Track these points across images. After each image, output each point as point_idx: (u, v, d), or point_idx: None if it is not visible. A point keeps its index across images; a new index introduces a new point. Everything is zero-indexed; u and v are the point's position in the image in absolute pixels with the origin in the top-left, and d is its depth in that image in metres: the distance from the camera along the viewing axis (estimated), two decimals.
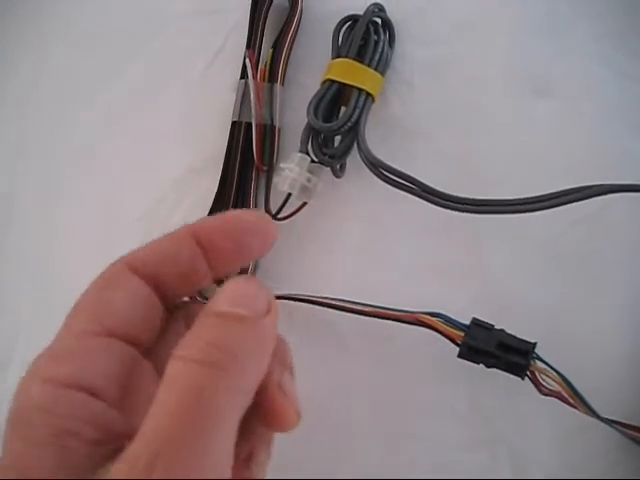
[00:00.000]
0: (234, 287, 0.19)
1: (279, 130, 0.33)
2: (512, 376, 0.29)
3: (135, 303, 0.20)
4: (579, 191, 0.28)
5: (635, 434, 0.29)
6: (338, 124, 0.30)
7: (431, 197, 0.30)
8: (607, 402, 0.30)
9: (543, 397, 0.29)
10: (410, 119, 0.33)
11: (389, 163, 0.30)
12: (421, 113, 0.33)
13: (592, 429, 0.30)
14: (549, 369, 0.29)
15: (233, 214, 0.22)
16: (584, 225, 0.32)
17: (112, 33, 0.38)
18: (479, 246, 0.32)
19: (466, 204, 0.29)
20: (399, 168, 0.30)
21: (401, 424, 0.31)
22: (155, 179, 0.34)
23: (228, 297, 0.19)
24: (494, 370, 0.29)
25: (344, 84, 0.31)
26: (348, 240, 0.33)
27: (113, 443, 0.18)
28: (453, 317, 0.29)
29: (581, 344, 0.31)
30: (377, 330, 0.31)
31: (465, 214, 0.31)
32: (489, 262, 0.32)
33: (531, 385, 0.29)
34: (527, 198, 0.29)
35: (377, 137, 0.33)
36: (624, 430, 0.29)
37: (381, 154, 0.31)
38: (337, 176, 0.32)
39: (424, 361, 0.31)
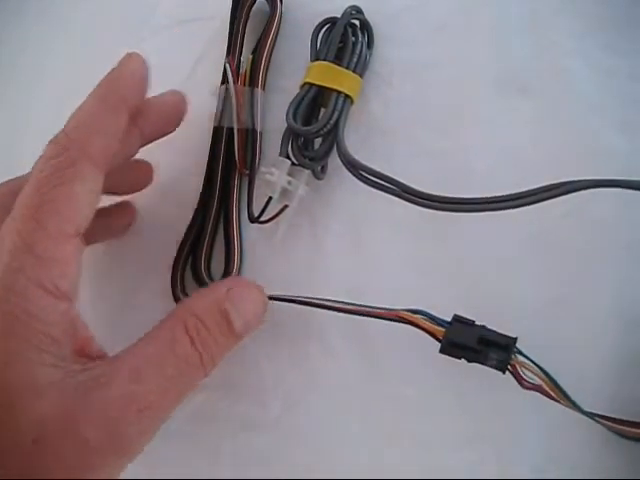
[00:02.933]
0: (254, 306, 0.28)
1: (261, 134, 0.33)
2: (495, 371, 0.29)
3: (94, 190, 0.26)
4: (558, 187, 0.28)
5: (618, 427, 0.30)
6: (317, 127, 0.31)
7: (411, 197, 0.30)
8: (592, 397, 0.30)
9: (527, 392, 0.29)
10: (390, 120, 0.34)
11: (368, 164, 0.30)
12: (401, 114, 0.34)
13: (577, 424, 0.30)
14: (530, 363, 0.29)
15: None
16: (568, 222, 0.32)
17: (96, 42, 0.38)
18: (462, 244, 0.32)
19: (445, 202, 0.30)
20: (378, 169, 0.30)
21: (386, 423, 0.31)
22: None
23: (244, 316, 0.27)
24: (477, 366, 0.29)
25: (323, 87, 0.32)
26: (330, 241, 0.33)
27: None
28: (435, 314, 0.30)
29: (566, 339, 0.31)
30: (361, 328, 0.32)
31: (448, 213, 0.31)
32: (472, 260, 0.32)
33: (515, 381, 0.29)
34: (507, 195, 0.29)
35: (358, 138, 0.34)
36: (607, 423, 0.30)
37: (362, 155, 0.32)
38: (318, 178, 0.32)
39: (407, 358, 0.31)
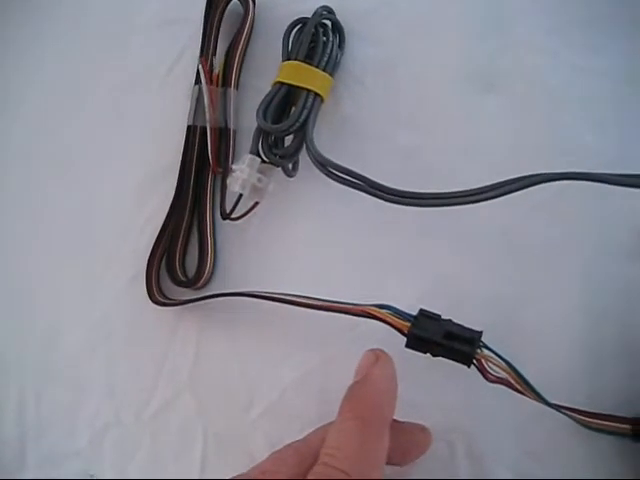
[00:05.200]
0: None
1: (234, 133, 0.33)
2: (465, 366, 0.29)
3: None
4: (520, 180, 0.28)
5: (584, 419, 0.30)
6: (287, 125, 0.31)
7: (378, 192, 0.30)
8: (561, 389, 0.30)
9: (498, 386, 0.29)
10: (362, 118, 0.34)
11: (337, 161, 0.30)
12: (373, 112, 0.34)
13: (546, 416, 0.30)
14: (495, 357, 0.29)
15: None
16: (536, 216, 0.32)
17: (78, 44, 0.39)
18: (431, 239, 0.32)
19: (412, 198, 0.30)
20: (346, 165, 0.30)
21: None
22: (118, 185, 0.35)
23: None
24: (447, 361, 0.29)
25: (293, 86, 0.32)
26: (302, 238, 0.33)
27: None
28: (401, 309, 0.30)
29: (533, 333, 0.31)
30: (330, 324, 0.32)
31: (417, 209, 0.31)
32: (441, 255, 0.32)
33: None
34: (471, 190, 0.29)
35: (330, 136, 0.34)
36: (573, 415, 0.30)
37: (334, 153, 0.32)
38: (289, 175, 0.32)
39: None
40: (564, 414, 0.30)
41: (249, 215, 0.32)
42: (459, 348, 0.29)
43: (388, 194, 0.30)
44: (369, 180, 0.30)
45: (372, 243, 0.32)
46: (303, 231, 0.33)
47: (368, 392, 0.26)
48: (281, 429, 0.32)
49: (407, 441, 0.29)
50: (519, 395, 0.29)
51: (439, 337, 0.29)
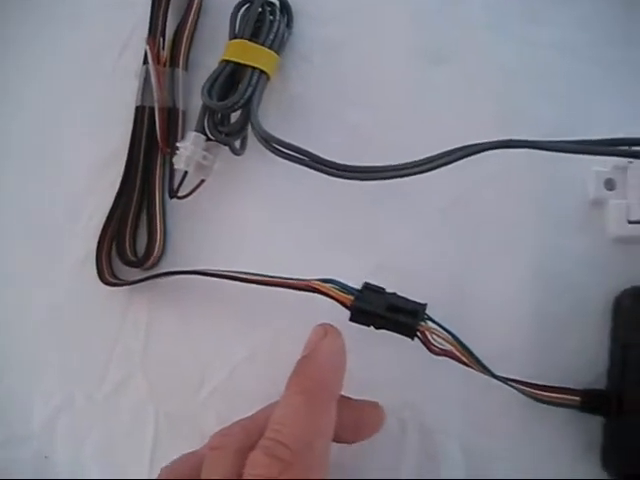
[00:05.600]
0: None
1: (184, 113, 0.33)
2: (412, 341, 0.29)
3: None
4: (458, 151, 0.28)
5: (532, 391, 0.29)
6: (231, 101, 0.31)
7: (322, 167, 0.30)
8: (511, 362, 0.30)
9: (447, 361, 0.29)
10: (311, 96, 0.34)
11: (282, 137, 0.30)
12: (321, 90, 0.34)
13: (496, 390, 0.29)
14: (440, 329, 0.29)
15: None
16: (483, 188, 0.32)
17: (26, 28, 0.38)
18: (379, 214, 0.32)
19: (354, 172, 0.30)
20: (290, 141, 0.30)
21: None
22: (71, 168, 0.35)
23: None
24: (397, 336, 0.29)
25: (239, 63, 0.32)
26: (251, 215, 0.33)
27: None
28: (345, 283, 0.29)
29: (483, 306, 0.31)
30: (280, 301, 0.31)
31: (365, 184, 0.31)
32: (389, 229, 0.32)
33: None
34: (414, 161, 0.29)
35: (279, 115, 0.34)
36: (521, 387, 0.29)
37: (283, 131, 0.32)
38: (236, 154, 0.32)
39: None
40: (512, 387, 0.29)
41: (196, 193, 0.32)
42: (402, 320, 0.28)
43: (332, 168, 0.30)
44: (313, 155, 0.30)
45: (321, 219, 0.32)
46: (252, 209, 0.33)
47: (315, 366, 0.26)
48: (231, 407, 0.31)
49: (359, 418, 0.29)
50: (468, 369, 0.29)
51: (382, 310, 0.29)
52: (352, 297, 0.29)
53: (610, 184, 0.31)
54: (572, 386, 0.30)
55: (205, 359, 0.32)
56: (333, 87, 0.34)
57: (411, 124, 0.33)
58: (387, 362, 0.31)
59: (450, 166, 0.31)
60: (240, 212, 0.33)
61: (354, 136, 0.33)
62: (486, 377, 0.29)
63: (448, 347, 0.29)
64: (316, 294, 0.30)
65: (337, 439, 0.26)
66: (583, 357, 0.30)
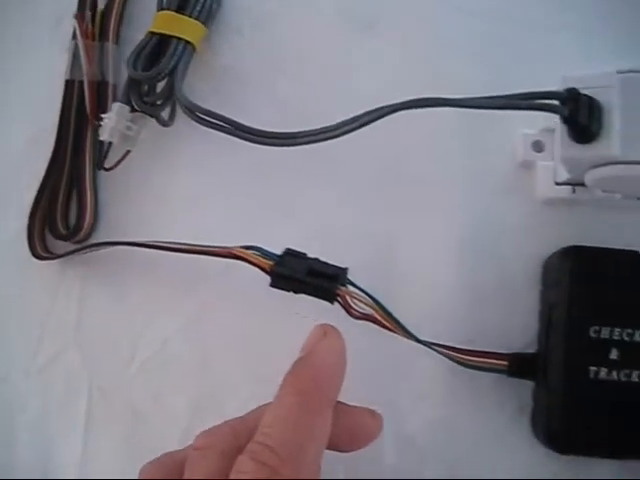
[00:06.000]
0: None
1: (114, 86, 0.33)
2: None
3: None
4: (376, 111, 0.27)
5: (459, 356, 0.29)
6: (155, 72, 0.30)
7: (244, 134, 0.30)
8: (438, 328, 0.30)
9: (371, 328, 0.28)
10: (242, 68, 0.33)
11: (203, 105, 0.30)
12: (252, 61, 0.34)
13: (423, 356, 0.29)
14: (361, 293, 0.28)
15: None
16: (410, 150, 0.32)
17: None
18: (309, 181, 0.32)
19: (274, 138, 0.29)
20: (214, 110, 0.30)
21: (221, 361, 0.31)
22: (4, 143, 0.35)
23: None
24: (327, 304, 0.29)
25: (165, 35, 0.32)
26: (181, 186, 0.33)
27: None
28: (267, 249, 0.29)
29: (410, 270, 0.31)
30: (210, 270, 0.31)
31: (293, 151, 0.31)
32: (318, 196, 0.32)
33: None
34: (328, 126, 0.28)
35: (209, 88, 0.33)
36: (447, 352, 0.29)
37: (215, 104, 0.31)
38: (165, 125, 0.32)
39: (243, 295, 0.31)
40: (437, 351, 0.29)
41: (127, 165, 0.32)
42: (321, 285, 0.28)
43: (253, 135, 0.30)
44: (235, 123, 0.30)
45: (250, 188, 0.32)
46: (182, 179, 0.33)
47: (311, 368, 0.25)
48: (163, 380, 0.32)
49: (354, 426, 0.26)
50: (394, 337, 0.29)
51: (302, 275, 0.28)
52: (272, 263, 0.29)
53: (538, 146, 0.31)
54: (501, 350, 0.29)
55: (137, 332, 0.32)
56: (264, 58, 0.33)
57: (342, 92, 0.32)
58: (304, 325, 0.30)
59: (378, 130, 0.31)
60: (170, 183, 0.33)
61: (286, 106, 0.33)
62: (413, 344, 0.29)
63: (369, 311, 0.28)
64: (240, 261, 0.30)
65: (331, 447, 0.24)
66: (514, 322, 0.30)
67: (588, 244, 0.29)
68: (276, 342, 0.31)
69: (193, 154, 0.33)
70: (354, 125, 0.28)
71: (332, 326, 0.26)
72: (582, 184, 0.30)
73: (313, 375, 0.24)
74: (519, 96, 0.26)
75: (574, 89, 0.26)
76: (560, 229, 0.30)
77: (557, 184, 0.30)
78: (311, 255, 0.29)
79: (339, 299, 0.28)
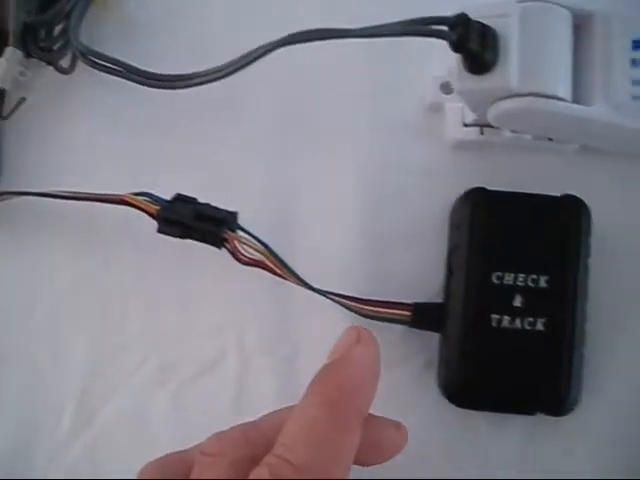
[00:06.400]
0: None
1: (15, 33, 0.32)
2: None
3: None
4: (257, 50, 0.26)
5: (360, 306, 0.27)
6: (48, 15, 0.29)
7: (137, 77, 0.29)
8: (341, 279, 0.28)
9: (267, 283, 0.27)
10: (145, 13, 0.32)
11: (96, 49, 0.29)
12: (155, 6, 0.32)
13: (324, 308, 0.28)
14: (251, 238, 0.27)
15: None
16: (314, 95, 0.30)
17: None
18: (210, 126, 0.30)
19: (168, 80, 0.28)
20: (107, 53, 0.29)
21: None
22: None
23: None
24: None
25: None
26: (82, 134, 0.31)
27: None
28: (159, 195, 0.28)
29: (310, 220, 0.29)
30: (109, 222, 0.30)
31: (199, 98, 0.29)
32: (218, 143, 0.30)
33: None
34: (216, 67, 0.27)
35: (116, 39, 0.32)
36: (343, 301, 0.27)
37: (117, 50, 0.30)
38: (64, 72, 0.31)
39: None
40: (335, 301, 0.27)
41: (27, 114, 0.31)
42: (208, 229, 0.27)
43: (149, 78, 0.28)
44: (129, 66, 0.29)
45: (151, 135, 0.31)
46: (84, 128, 0.31)
47: (343, 376, 0.22)
48: (63, 334, 0.30)
49: (378, 439, 0.24)
50: (293, 291, 0.27)
51: (190, 219, 0.27)
52: (160, 208, 0.27)
53: (447, 88, 0.29)
54: (405, 300, 0.28)
55: (35, 285, 0.31)
56: (167, 6, 0.32)
57: (246, 32, 0.29)
58: (206, 282, 0.29)
59: (280, 74, 0.30)
60: (71, 132, 0.31)
61: (189, 53, 0.31)
62: (311, 297, 0.27)
63: (259, 257, 0.27)
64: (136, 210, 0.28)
65: None
66: (423, 271, 0.29)
67: (498, 188, 0.28)
68: (173, 295, 0.30)
69: (94, 102, 0.32)
70: (241, 63, 0.26)
71: (367, 330, 0.23)
72: (490, 125, 0.28)
73: (344, 386, 0.21)
74: (407, 23, 0.25)
75: (463, 14, 0.24)
76: (470, 173, 0.28)
77: (465, 126, 0.29)
78: (204, 201, 0.28)
79: (227, 244, 0.27)
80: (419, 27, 0.24)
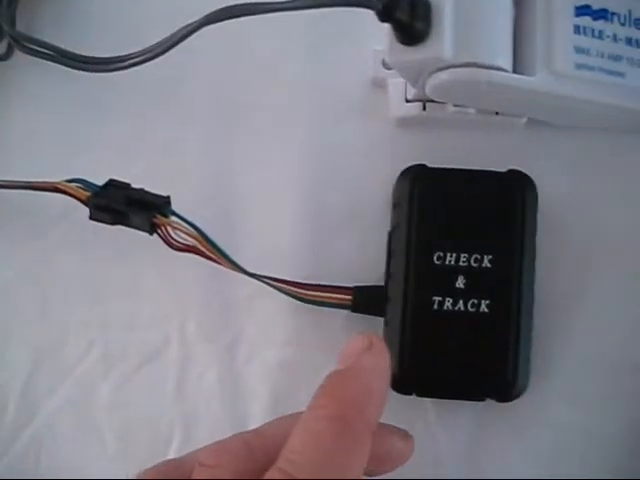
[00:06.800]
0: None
1: None
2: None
3: None
4: (185, 28, 0.25)
5: (294, 290, 0.26)
6: None
7: (70, 61, 0.28)
8: (283, 263, 0.27)
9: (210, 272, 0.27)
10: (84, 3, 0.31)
11: (29, 34, 0.29)
12: None
13: (265, 295, 0.27)
14: (183, 223, 0.26)
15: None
16: (254, 71, 0.29)
17: None
18: (145, 112, 0.30)
19: (100, 63, 0.27)
20: (37, 37, 0.29)
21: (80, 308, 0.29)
22: None
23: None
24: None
25: None
26: (19, 121, 0.30)
27: None
28: (91, 181, 0.27)
29: (252, 204, 0.28)
30: (48, 211, 0.29)
31: (136, 83, 0.29)
32: (155, 127, 0.29)
33: None
34: (143, 49, 0.26)
35: (53, 22, 0.31)
36: (281, 286, 0.26)
37: (59, 37, 0.29)
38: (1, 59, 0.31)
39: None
40: (272, 286, 0.26)
41: None
42: (139, 214, 0.26)
43: (81, 62, 0.28)
44: (61, 50, 0.28)
45: (88, 121, 0.30)
46: (20, 115, 0.31)
47: (353, 387, 0.20)
48: (4, 326, 0.29)
49: (384, 449, 0.23)
50: (231, 278, 0.26)
51: (121, 205, 0.26)
52: (90, 194, 0.27)
53: None
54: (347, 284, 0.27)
55: None
56: None
57: (182, 9, 0.27)
58: (147, 270, 0.29)
59: (218, 53, 0.29)
60: (7, 119, 0.31)
61: (128, 32, 0.30)
62: (251, 284, 0.26)
63: (192, 242, 0.26)
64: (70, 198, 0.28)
65: None
66: (366, 253, 0.27)
67: (444, 165, 0.26)
68: (115, 284, 0.29)
69: (31, 88, 0.31)
70: (168, 44, 0.26)
71: (378, 336, 0.22)
72: (433, 100, 0.27)
73: (354, 397, 0.20)
74: None
75: None
76: (414, 150, 0.27)
77: (407, 101, 0.28)
78: (138, 186, 0.27)
79: (159, 230, 0.26)
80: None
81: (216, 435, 0.27)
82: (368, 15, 0.24)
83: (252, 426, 0.27)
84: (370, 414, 0.20)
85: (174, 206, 0.27)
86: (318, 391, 0.20)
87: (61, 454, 0.28)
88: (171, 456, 0.28)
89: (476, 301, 0.25)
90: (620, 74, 0.25)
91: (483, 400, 0.25)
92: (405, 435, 0.23)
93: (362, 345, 0.21)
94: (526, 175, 0.26)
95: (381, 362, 0.21)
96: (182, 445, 0.28)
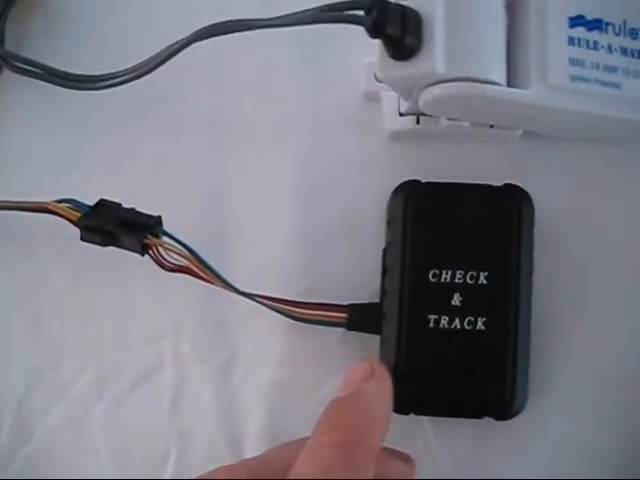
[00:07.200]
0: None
1: None
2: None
3: None
4: (173, 46, 0.25)
5: (287, 308, 0.26)
6: None
7: (58, 80, 0.27)
8: (277, 282, 0.27)
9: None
10: (74, 12, 0.31)
11: (16, 52, 0.28)
12: (83, 4, 0.31)
13: (262, 314, 0.26)
14: (175, 243, 0.26)
15: None
16: (243, 88, 0.29)
17: None
18: (137, 129, 0.29)
19: (84, 81, 0.27)
20: (28, 54, 0.28)
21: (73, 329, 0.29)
22: None
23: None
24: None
25: None
26: (9, 139, 0.30)
27: None
28: (82, 201, 0.26)
29: (244, 221, 0.28)
30: (41, 231, 0.29)
31: (126, 101, 0.28)
32: (146, 144, 0.29)
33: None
34: (133, 66, 0.26)
35: (43, 38, 0.30)
36: (275, 305, 0.26)
37: (49, 54, 0.29)
38: None
39: (89, 260, 0.28)
40: (265, 305, 0.26)
41: None
42: (130, 235, 0.26)
43: (69, 80, 0.27)
44: (49, 68, 0.28)
45: (78, 139, 0.29)
46: (11, 133, 0.30)
47: (356, 413, 0.21)
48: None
49: (386, 472, 0.22)
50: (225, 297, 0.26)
51: (112, 226, 0.26)
52: (81, 215, 0.26)
53: None
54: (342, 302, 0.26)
55: None
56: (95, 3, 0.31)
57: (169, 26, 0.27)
58: (141, 290, 0.28)
59: (210, 69, 0.29)
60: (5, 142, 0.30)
61: (127, 50, 0.29)
62: (244, 303, 0.26)
63: (184, 262, 0.26)
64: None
65: None
66: (362, 270, 0.27)
67: (438, 179, 0.26)
68: (108, 304, 0.28)
69: (20, 106, 0.30)
70: (156, 61, 0.25)
71: (379, 363, 0.22)
72: (426, 114, 0.27)
73: (357, 424, 0.20)
74: (321, 9, 0.23)
75: None
76: (408, 165, 0.27)
77: (401, 115, 0.27)
78: (129, 206, 0.26)
79: (151, 251, 0.26)
80: (333, 14, 0.23)
81: (212, 454, 0.27)
82: (359, 28, 0.24)
83: (248, 445, 0.28)
84: (373, 440, 0.20)
85: (165, 224, 0.26)
86: (321, 418, 0.20)
87: (57, 475, 0.28)
88: (167, 476, 0.28)
89: (472, 319, 0.24)
90: (616, 85, 0.24)
91: (482, 418, 0.25)
92: (407, 458, 0.24)
93: (364, 372, 0.22)
94: (522, 189, 0.25)
95: (383, 388, 0.21)
96: (178, 464, 0.27)
